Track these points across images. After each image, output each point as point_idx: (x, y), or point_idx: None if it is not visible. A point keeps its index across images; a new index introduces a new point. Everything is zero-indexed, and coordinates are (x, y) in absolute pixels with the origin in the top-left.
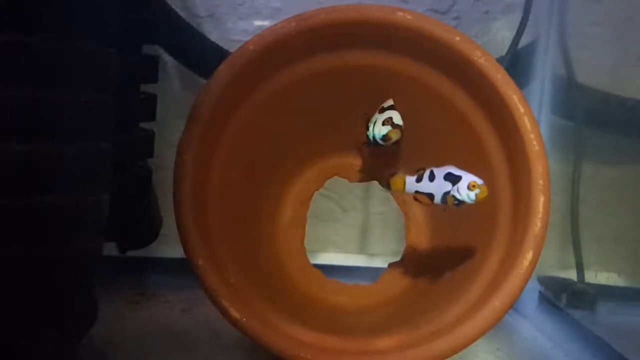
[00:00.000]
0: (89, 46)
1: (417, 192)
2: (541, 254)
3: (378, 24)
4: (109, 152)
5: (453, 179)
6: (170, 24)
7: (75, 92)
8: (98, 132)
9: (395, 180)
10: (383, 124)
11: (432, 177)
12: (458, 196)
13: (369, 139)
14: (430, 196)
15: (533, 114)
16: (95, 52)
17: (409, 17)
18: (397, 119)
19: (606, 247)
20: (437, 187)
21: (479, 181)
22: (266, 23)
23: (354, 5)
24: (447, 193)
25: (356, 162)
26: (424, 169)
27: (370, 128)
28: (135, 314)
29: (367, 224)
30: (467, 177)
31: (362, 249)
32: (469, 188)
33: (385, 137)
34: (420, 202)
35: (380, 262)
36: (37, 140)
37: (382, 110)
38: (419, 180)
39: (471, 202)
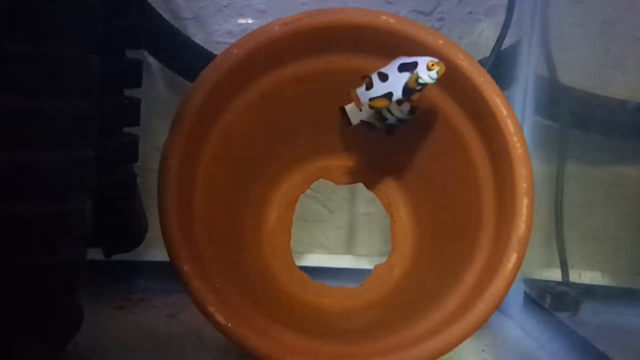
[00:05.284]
0: (72, 53)
1: (371, 99)
2: (526, 255)
3: (362, 27)
4: (93, 160)
5: (409, 67)
6: (154, 27)
7: (57, 100)
8: (81, 139)
9: (353, 97)
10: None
11: (384, 77)
12: (421, 80)
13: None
14: (388, 95)
15: (516, 116)
16: (78, 59)
17: (392, 20)
18: (430, 57)
19: (590, 246)
20: (394, 83)
21: (435, 59)
22: (251, 25)
23: (337, 9)
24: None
25: (341, 164)
26: (368, 75)
27: (420, 78)
28: (121, 319)
29: (353, 225)
30: (424, 60)
31: (348, 250)
32: (428, 68)
33: (438, 74)
34: (376, 107)
35: (367, 263)
36: (19, 149)
37: (405, 67)
38: (369, 87)
39: (433, 81)
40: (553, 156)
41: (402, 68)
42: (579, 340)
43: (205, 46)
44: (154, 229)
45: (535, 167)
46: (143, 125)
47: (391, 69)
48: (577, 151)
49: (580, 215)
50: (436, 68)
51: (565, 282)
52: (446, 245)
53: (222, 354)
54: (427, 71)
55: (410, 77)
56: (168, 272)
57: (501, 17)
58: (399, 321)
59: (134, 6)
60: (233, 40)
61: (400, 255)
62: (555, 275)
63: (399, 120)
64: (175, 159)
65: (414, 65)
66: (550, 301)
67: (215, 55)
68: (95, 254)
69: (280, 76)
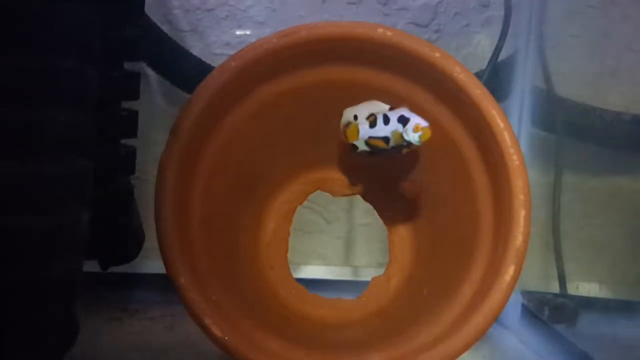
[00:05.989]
0: (69, 64)
1: (370, 137)
2: (523, 267)
3: (359, 40)
4: (89, 171)
5: (405, 121)
6: (152, 39)
7: (54, 111)
8: (78, 151)
9: (350, 130)
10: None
11: (386, 121)
12: (405, 137)
13: (395, 145)
14: (386, 140)
15: (512, 129)
16: (75, 70)
17: (389, 33)
18: (422, 120)
19: (588, 257)
20: (393, 129)
21: (423, 123)
22: (249, 37)
23: (335, 22)
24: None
25: (338, 175)
26: (374, 115)
27: (405, 135)
28: (118, 331)
29: (351, 235)
30: (414, 119)
31: (346, 261)
32: (414, 130)
33: (421, 138)
34: (373, 146)
35: (365, 275)
36: (15, 161)
37: (402, 119)
38: (372, 125)
39: (416, 143)
40: (550, 167)
41: (400, 120)
42: (577, 352)
43: (203, 58)
44: (151, 241)
45: (532, 179)
46: (141, 137)
47: (394, 115)
48: (574, 162)
49: (578, 226)
50: (419, 132)
51: (563, 293)
52: (444, 256)
53: None
54: (412, 132)
55: (394, 132)
56: (165, 284)
57: (497, 28)
58: (397, 333)
59: (132, 18)
60: (231, 52)
61: (398, 266)
62: (553, 286)
63: (393, 148)
64: (172, 170)
65: (407, 120)
66: (549, 313)
67: (213, 67)
68: (91, 265)
69: (278, 88)
